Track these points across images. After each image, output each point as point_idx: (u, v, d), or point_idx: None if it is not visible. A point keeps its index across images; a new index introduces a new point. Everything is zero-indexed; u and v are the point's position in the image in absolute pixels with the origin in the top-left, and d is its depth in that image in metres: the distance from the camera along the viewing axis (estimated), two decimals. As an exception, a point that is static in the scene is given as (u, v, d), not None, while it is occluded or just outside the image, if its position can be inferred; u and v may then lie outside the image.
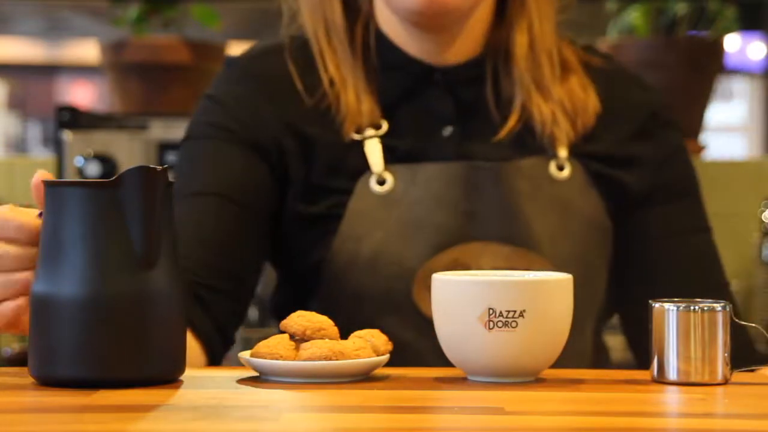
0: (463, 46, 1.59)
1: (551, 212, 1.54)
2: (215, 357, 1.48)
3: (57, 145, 2.92)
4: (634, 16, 3.09)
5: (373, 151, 1.54)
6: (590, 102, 1.59)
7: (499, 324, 1.14)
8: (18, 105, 7.96)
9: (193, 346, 1.42)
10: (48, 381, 1.13)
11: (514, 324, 1.14)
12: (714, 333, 1.16)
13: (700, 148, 3.09)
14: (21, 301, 1.17)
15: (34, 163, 3.34)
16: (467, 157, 1.55)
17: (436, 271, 1.47)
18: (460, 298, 1.16)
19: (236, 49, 3.40)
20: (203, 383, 1.17)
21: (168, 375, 1.15)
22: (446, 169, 1.54)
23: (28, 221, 1.17)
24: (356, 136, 1.55)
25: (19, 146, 7.70)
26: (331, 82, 1.57)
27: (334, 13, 1.59)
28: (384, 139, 1.56)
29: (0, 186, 3.18)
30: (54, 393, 1.12)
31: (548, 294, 1.16)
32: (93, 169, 2.86)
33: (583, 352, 1.55)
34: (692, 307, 1.16)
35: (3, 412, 1.03)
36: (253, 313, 2.97)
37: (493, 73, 1.59)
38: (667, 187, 1.60)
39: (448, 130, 1.58)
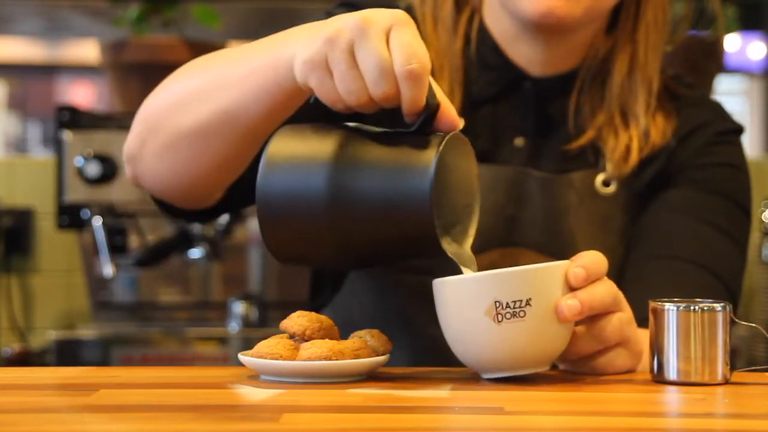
0: (564, 58, 1.57)
1: (591, 226, 1.52)
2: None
3: (57, 145, 2.92)
4: (634, 16, 3.08)
5: None
6: (667, 137, 1.56)
7: (508, 315, 1.14)
8: (18, 105, 7.96)
9: None
10: None
11: (522, 314, 1.14)
12: (714, 333, 1.16)
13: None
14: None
15: (34, 163, 3.34)
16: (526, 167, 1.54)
17: None
18: (465, 296, 1.16)
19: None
20: (203, 383, 1.17)
21: None
22: (495, 172, 1.53)
23: None
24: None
25: (19, 146, 7.70)
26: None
27: (445, 1, 1.58)
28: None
29: (0, 186, 3.18)
30: (54, 393, 1.12)
31: (552, 279, 1.16)
32: (93, 169, 2.86)
33: None
34: (692, 307, 1.16)
35: (3, 412, 1.03)
36: (253, 313, 2.97)
37: (581, 84, 1.57)
38: (699, 179, 1.55)
39: (520, 141, 1.56)
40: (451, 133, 1.17)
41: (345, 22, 1.15)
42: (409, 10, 1.60)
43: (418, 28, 1.58)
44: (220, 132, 1.31)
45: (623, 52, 1.55)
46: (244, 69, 1.28)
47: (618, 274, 1.50)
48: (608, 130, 1.54)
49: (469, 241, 1.22)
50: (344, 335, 1.21)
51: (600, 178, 1.54)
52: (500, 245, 1.51)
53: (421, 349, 1.47)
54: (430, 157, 1.14)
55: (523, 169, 1.53)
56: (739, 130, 1.62)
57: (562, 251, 1.50)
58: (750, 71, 6.70)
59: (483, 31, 1.58)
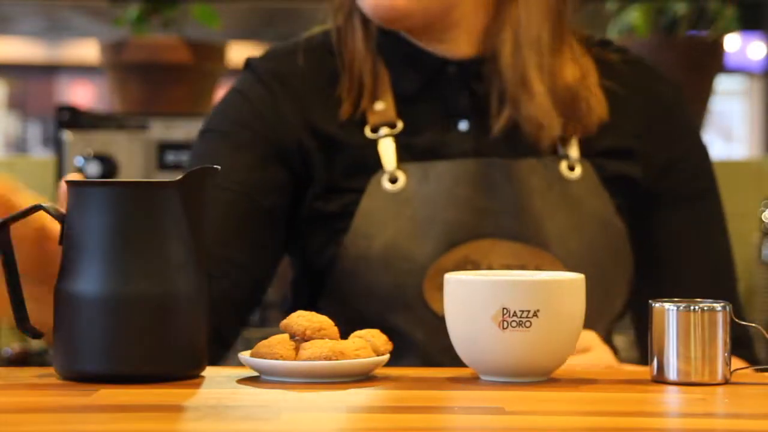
0: (464, 43, 1.59)
1: (562, 211, 1.53)
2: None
3: (57, 145, 2.92)
4: (634, 16, 3.08)
5: (387, 150, 1.55)
6: (595, 105, 1.56)
7: (513, 324, 1.14)
8: (18, 105, 7.96)
9: None
10: (71, 376, 1.15)
11: (527, 324, 1.14)
12: (714, 333, 1.16)
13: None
14: None
15: (34, 163, 3.34)
16: (483, 153, 1.55)
17: (446, 268, 1.48)
18: (474, 297, 1.16)
19: (236, 49, 3.40)
20: (203, 383, 1.17)
21: (188, 371, 1.17)
22: (458, 166, 1.54)
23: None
24: (372, 135, 1.56)
25: (19, 146, 7.70)
26: (350, 82, 1.58)
27: (353, 8, 1.59)
28: (400, 137, 1.56)
29: (0, 186, 3.17)
30: (54, 393, 1.12)
31: (562, 293, 1.16)
32: (93, 169, 2.86)
33: None
34: (692, 307, 1.16)
35: (3, 412, 1.03)
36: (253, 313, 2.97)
37: (490, 66, 1.58)
38: (677, 190, 1.60)
39: (464, 125, 1.57)
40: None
41: None
42: (327, 35, 1.62)
43: (333, 44, 1.59)
44: None
45: (506, 24, 1.56)
46: None
47: (597, 262, 1.50)
48: (518, 104, 1.55)
49: None
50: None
51: (564, 163, 1.55)
52: (472, 238, 1.51)
53: (405, 355, 1.47)
54: None
55: (485, 159, 1.54)
56: (678, 87, 1.66)
57: (533, 236, 1.51)
58: (750, 71, 6.70)
59: (390, 29, 1.60)
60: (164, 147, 2.89)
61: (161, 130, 2.89)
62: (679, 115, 1.64)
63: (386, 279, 1.51)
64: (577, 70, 1.57)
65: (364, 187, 1.54)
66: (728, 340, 1.16)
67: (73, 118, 2.91)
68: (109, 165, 2.87)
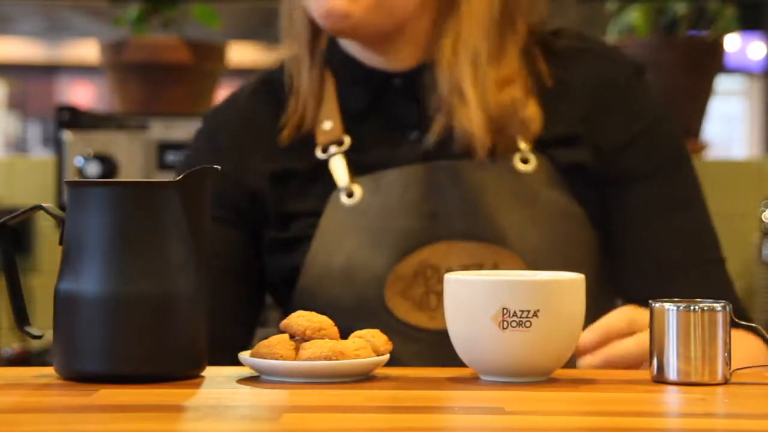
0: (412, 53, 1.59)
1: (517, 206, 1.53)
2: None
3: (57, 145, 2.92)
4: (634, 16, 3.09)
5: (338, 167, 1.56)
6: (528, 122, 1.55)
7: (513, 324, 1.14)
8: (18, 105, 7.97)
9: None
10: (71, 376, 1.15)
11: (528, 324, 1.14)
12: (714, 333, 1.16)
13: (701, 147, 3.10)
14: None
15: (34, 163, 3.34)
16: (432, 159, 1.55)
17: (405, 274, 1.49)
18: (474, 297, 1.16)
19: (236, 49, 3.41)
20: (203, 383, 1.17)
21: (188, 371, 1.17)
22: (405, 173, 1.54)
23: None
24: (322, 156, 1.57)
25: (19, 146, 7.71)
26: (296, 104, 1.59)
27: (302, 30, 1.60)
28: (351, 153, 1.57)
29: (0, 186, 3.18)
30: (54, 393, 1.12)
31: (562, 293, 1.16)
32: (93, 169, 2.86)
33: None
34: (692, 307, 1.16)
35: (3, 412, 1.03)
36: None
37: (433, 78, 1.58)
38: (632, 171, 1.57)
39: (414, 135, 1.58)
40: None
41: None
42: (281, 66, 1.64)
43: (285, 74, 1.60)
44: None
45: (447, 33, 1.56)
46: None
47: (560, 253, 1.50)
48: (452, 112, 1.54)
49: None
50: None
51: (517, 157, 1.54)
52: (425, 243, 1.52)
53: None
54: None
55: (431, 163, 1.54)
56: (635, 66, 1.62)
57: (488, 234, 1.51)
58: (750, 71, 6.71)
59: (335, 48, 1.61)
60: (164, 147, 2.89)
61: (161, 130, 2.89)
62: (633, 95, 1.60)
63: (348, 292, 1.52)
64: (517, 86, 1.56)
65: (319, 209, 1.55)
66: (728, 340, 1.16)
67: (73, 118, 2.91)
68: (109, 165, 2.87)
